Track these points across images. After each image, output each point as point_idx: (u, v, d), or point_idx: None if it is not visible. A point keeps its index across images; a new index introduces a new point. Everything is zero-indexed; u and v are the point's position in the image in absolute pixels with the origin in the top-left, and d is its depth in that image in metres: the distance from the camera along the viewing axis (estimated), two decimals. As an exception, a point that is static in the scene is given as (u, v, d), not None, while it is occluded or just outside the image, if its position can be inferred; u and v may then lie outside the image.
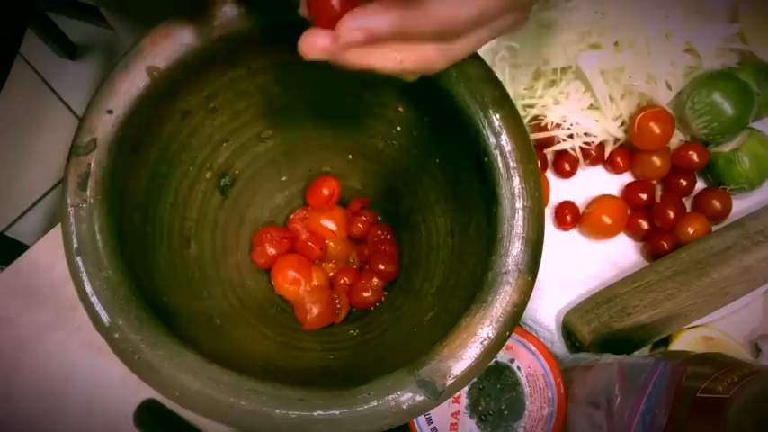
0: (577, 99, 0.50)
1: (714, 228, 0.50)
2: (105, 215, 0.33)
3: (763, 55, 0.50)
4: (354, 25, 0.25)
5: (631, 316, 0.45)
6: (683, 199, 0.52)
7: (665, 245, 0.50)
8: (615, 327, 0.45)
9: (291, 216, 0.50)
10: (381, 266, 0.47)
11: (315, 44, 0.25)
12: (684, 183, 0.51)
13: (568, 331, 0.48)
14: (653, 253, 0.50)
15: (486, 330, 0.32)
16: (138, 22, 0.58)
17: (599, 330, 0.46)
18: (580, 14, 0.50)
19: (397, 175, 0.47)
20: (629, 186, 0.52)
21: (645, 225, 0.51)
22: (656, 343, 0.50)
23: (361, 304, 0.47)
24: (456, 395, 0.43)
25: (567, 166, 0.52)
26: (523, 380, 0.44)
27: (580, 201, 0.53)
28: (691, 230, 0.49)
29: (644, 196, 0.51)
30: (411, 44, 0.26)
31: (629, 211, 0.51)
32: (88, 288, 0.32)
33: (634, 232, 0.51)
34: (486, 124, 0.35)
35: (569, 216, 0.51)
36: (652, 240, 0.50)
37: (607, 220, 0.50)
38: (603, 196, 0.51)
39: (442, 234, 0.44)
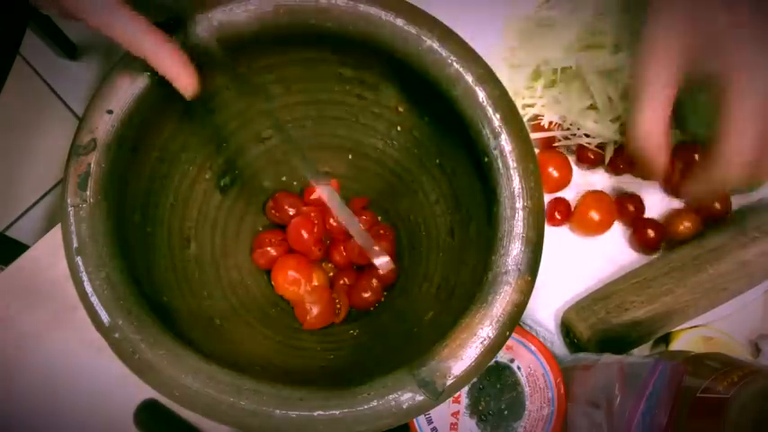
0: (577, 99, 0.50)
1: (714, 228, 0.50)
2: (105, 215, 0.33)
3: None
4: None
5: (628, 312, 0.45)
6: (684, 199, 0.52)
7: (651, 233, 0.50)
8: (613, 322, 0.46)
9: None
10: (381, 271, 0.47)
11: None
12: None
13: (567, 329, 0.48)
14: (641, 243, 0.50)
15: (486, 330, 0.32)
16: None
17: (597, 326, 0.46)
18: (580, 14, 0.50)
19: (397, 175, 0.47)
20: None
21: (631, 207, 0.51)
22: (656, 342, 0.50)
23: (361, 304, 0.47)
24: (456, 395, 0.43)
25: (590, 156, 0.52)
26: (523, 380, 0.44)
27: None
28: (682, 226, 0.49)
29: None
30: None
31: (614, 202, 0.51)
32: (88, 288, 0.32)
33: (622, 216, 0.52)
34: (486, 124, 0.35)
35: (558, 214, 0.51)
36: (639, 230, 0.50)
37: (595, 216, 0.50)
38: (588, 192, 0.51)
39: (442, 234, 0.44)
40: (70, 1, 0.30)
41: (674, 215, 0.50)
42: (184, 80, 0.33)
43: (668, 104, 0.36)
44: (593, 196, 0.51)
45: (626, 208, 0.51)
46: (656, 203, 0.52)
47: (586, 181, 0.53)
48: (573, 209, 0.52)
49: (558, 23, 0.50)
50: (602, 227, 0.51)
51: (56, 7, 0.31)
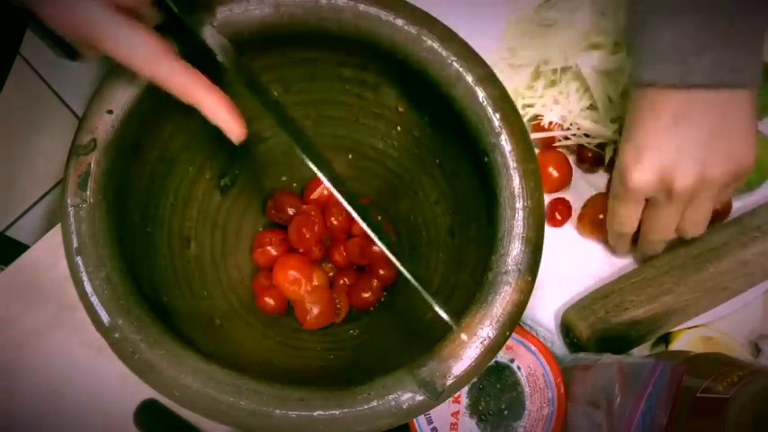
0: (577, 99, 0.50)
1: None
2: (105, 215, 0.33)
3: (764, 55, 0.50)
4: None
5: (628, 311, 0.45)
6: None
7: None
8: (612, 321, 0.46)
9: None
10: (381, 271, 0.47)
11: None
12: None
13: (567, 328, 0.48)
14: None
15: (486, 330, 0.32)
16: None
17: (596, 326, 0.46)
18: (580, 14, 0.50)
19: (397, 175, 0.47)
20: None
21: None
22: (656, 342, 0.50)
23: (361, 304, 0.47)
24: (456, 395, 0.43)
25: (590, 156, 0.52)
26: (523, 380, 0.44)
27: (580, 201, 0.53)
28: None
29: None
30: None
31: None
32: (88, 288, 0.32)
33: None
34: (486, 124, 0.35)
35: (559, 214, 0.51)
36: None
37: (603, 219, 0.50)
38: (598, 194, 0.52)
39: (442, 234, 0.44)
40: (115, 49, 0.29)
41: None
42: (234, 127, 0.33)
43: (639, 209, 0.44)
44: (603, 199, 0.51)
45: None
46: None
47: (586, 181, 0.53)
48: (580, 209, 0.52)
49: (558, 23, 0.50)
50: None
51: (95, 52, 0.30)
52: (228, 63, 0.34)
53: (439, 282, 0.43)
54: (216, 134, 0.43)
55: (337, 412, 0.31)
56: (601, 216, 0.50)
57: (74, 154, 0.34)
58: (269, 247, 0.47)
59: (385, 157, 0.47)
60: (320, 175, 0.32)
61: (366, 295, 0.47)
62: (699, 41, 0.36)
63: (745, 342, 0.49)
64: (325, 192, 0.49)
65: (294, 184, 0.50)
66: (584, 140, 0.51)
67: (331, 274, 0.49)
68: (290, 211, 0.48)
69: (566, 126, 0.51)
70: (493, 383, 0.44)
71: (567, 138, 0.51)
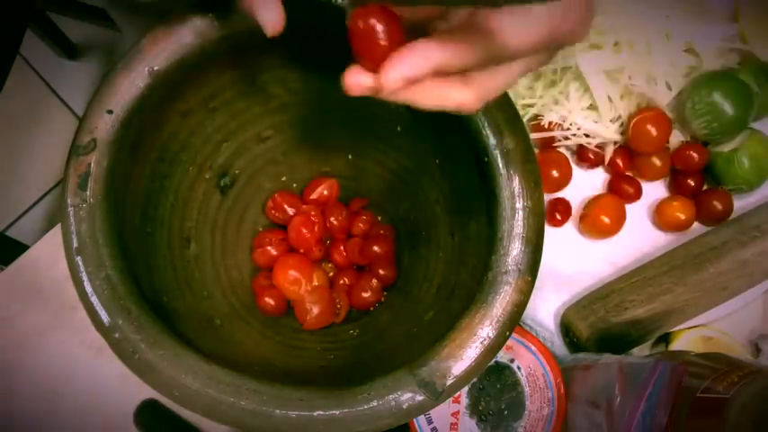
0: (577, 99, 0.50)
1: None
2: (105, 215, 0.33)
3: (763, 55, 0.50)
4: (395, 75, 0.25)
5: (628, 311, 0.45)
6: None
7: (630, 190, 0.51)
8: (612, 321, 0.46)
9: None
10: (381, 271, 0.47)
11: (359, 84, 0.26)
12: (692, 183, 0.51)
13: (567, 328, 0.48)
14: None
15: (486, 330, 0.32)
16: (147, 21, 0.58)
17: (596, 325, 0.46)
18: (580, 14, 0.50)
19: (396, 175, 0.47)
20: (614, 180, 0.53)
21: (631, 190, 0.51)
22: (656, 342, 0.51)
23: (361, 304, 0.47)
24: (456, 395, 0.43)
25: (591, 156, 0.52)
26: (523, 380, 0.44)
27: (580, 201, 0.53)
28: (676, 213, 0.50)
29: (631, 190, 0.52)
30: (448, 84, 0.27)
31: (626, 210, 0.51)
32: (88, 288, 0.32)
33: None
34: (487, 124, 0.35)
35: (559, 214, 0.51)
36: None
37: (606, 220, 0.50)
38: (601, 195, 0.52)
39: (442, 234, 0.44)
40: None
41: (665, 201, 0.51)
42: (270, 14, 0.28)
43: None
44: (606, 200, 0.51)
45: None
46: (652, 191, 0.53)
47: (586, 181, 0.53)
48: (580, 209, 0.52)
49: (559, 23, 0.50)
50: (611, 231, 0.51)
51: None
52: None
53: (439, 282, 0.43)
54: (216, 134, 0.43)
55: (337, 412, 0.31)
56: (601, 216, 0.50)
57: (74, 154, 0.34)
58: (269, 247, 0.47)
59: (385, 157, 0.47)
60: None
61: (366, 295, 0.47)
62: None
63: (745, 342, 0.49)
64: (325, 192, 0.49)
65: (294, 184, 0.50)
66: (584, 140, 0.51)
67: (331, 274, 0.49)
68: (290, 211, 0.48)
69: (566, 126, 0.51)
70: (493, 383, 0.44)
71: (567, 138, 0.51)
